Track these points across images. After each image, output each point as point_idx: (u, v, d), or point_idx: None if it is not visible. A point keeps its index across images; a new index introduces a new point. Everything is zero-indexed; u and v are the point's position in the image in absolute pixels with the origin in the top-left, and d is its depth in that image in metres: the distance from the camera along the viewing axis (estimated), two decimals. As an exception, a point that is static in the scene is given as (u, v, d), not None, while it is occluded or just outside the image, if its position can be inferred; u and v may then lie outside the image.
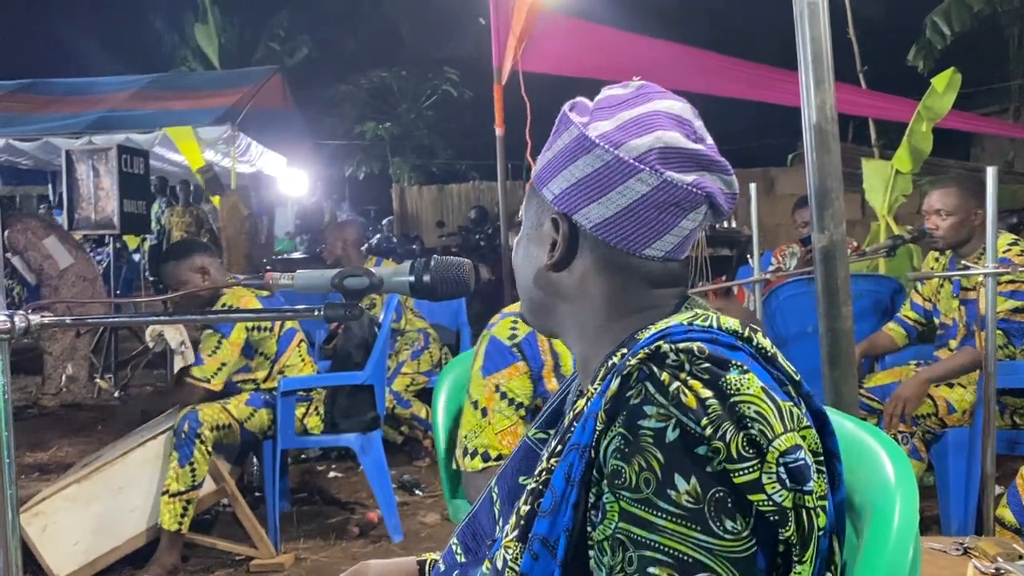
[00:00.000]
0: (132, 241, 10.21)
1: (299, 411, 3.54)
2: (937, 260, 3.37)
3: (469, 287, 1.20)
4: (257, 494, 3.90)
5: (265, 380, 3.51)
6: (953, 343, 3.21)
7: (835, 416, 1.05)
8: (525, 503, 0.94)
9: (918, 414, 3.03)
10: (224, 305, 3.36)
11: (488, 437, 1.89)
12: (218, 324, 3.32)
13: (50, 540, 3.08)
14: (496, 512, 1.13)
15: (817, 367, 1.94)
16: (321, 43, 21.64)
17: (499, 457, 1.86)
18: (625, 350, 0.93)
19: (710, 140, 0.98)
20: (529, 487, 0.95)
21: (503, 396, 1.90)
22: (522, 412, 1.91)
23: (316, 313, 1.20)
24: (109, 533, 3.18)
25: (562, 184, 0.98)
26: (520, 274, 1.08)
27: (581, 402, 0.95)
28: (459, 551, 1.16)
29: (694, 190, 0.93)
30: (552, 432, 1.12)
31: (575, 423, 0.92)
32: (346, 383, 3.59)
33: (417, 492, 4.11)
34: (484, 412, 1.91)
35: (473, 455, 1.88)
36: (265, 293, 3.40)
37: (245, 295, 3.37)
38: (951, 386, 3.09)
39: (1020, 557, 1.81)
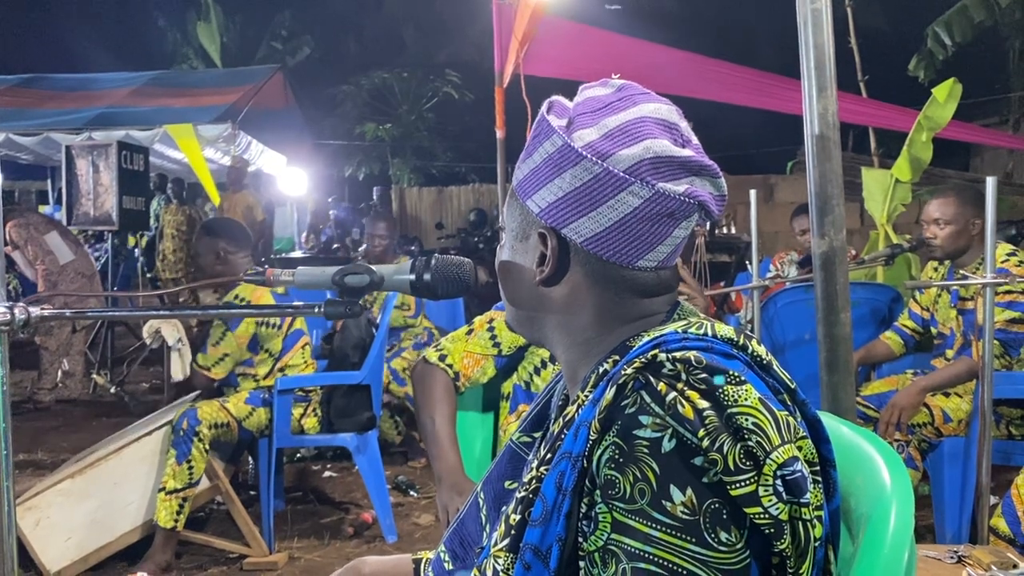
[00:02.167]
0: (130, 238, 10.20)
1: (297, 411, 3.54)
2: (936, 270, 3.38)
3: (469, 286, 1.20)
4: (252, 492, 3.90)
5: (266, 376, 3.51)
6: (950, 352, 3.22)
7: (832, 421, 1.05)
8: (515, 512, 0.92)
9: (914, 423, 3.04)
10: (236, 296, 3.39)
11: (458, 347, 2.09)
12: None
13: (43, 535, 3.07)
14: (483, 518, 1.12)
15: (814, 374, 1.94)
16: (323, 43, 21.65)
17: (451, 366, 2.07)
18: (617, 357, 0.92)
19: (696, 141, 0.96)
20: (519, 495, 0.93)
21: (490, 330, 2.10)
22: (495, 351, 2.09)
23: (316, 310, 1.19)
24: (103, 529, 3.18)
25: (548, 197, 0.94)
26: (505, 284, 1.04)
27: (571, 409, 0.93)
28: (447, 558, 1.15)
29: (687, 200, 0.90)
30: (537, 436, 1.11)
31: (565, 431, 0.91)
32: (343, 383, 3.59)
33: (412, 493, 4.11)
34: (469, 332, 2.12)
35: (437, 349, 2.11)
36: (280, 290, 3.42)
37: (259, 289, 3.38)
38: (947, 395, 3.09)
39: (1014, 566, 1.82)
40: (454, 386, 2.08)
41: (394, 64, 21.08)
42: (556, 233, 0.95)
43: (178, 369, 3.64)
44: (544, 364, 2.13)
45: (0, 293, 1.19)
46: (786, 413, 0.85)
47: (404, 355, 4.62)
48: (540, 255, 0.97)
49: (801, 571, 0.83)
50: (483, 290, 6.71)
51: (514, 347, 2.10)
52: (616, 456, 0.82)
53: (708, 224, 0.98)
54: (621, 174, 0.90)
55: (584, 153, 0.91)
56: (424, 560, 1.26)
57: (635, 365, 0.86)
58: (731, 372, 0.84)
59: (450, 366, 2.08)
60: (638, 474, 0.81)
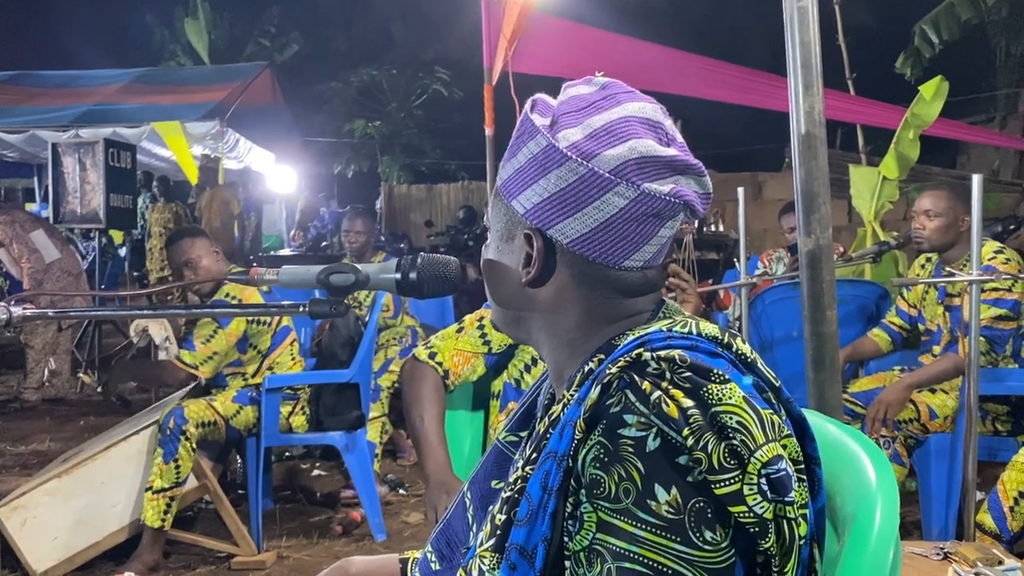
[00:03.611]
0: (118, 236, 10.16)
1: (285, 409, 3.53)
2: (923, 267, 3.40)
3: (456, 285, 1.19)
4: (240, 491, 3.89)
5: (254, 375, 3.50)
6: (938, 349, 3.23)
7: (817, 419, 1.05)
8: (500, 512, 0.92)
9: (900, 419, 3.05)
10: (227, 295, 3.37)
11: (447, 345, 2.08)
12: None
13: (29, 534, 3.05)
14: (469, 518, 1.12)
15: (801, 371, 1.94)
16: (311, 40, 21.60)
17: (440, 364, 2.05)
18: (602, 356, 0.92)
19: (680, 139, 0.96)
20: (504, 495, 0.93)
21: (480, 328, 2.09)
22: (486, 349, 2.09)
23: (301, 309, 1.19)
24: (90, 528, 3.16)
25: (533, 198, 0.94)
26: (491, 285, 1.04)
27: (556, 408, 0.93)
28: (433, 559, 1.15)
29: (673, 200, 0.90)
30: (524, 435, 1.11)
31: (551, 430, 0.91)
32: (331, 381, 3.58)
33: (401, 491, 4.10)
34: (459, 329, 2.12)
35: (426, 347, 2.11)
36: (266, 289, 3.41)
37: (247, 287, 3.37)
38: (934, 392, 3.10)
39: (1000, 562, 1.83)
40: (443, 384, 2.07)
41: (383, 61, 21.06)
42: (542, 234, 0.95)
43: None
44: (534, 362, 2.13)
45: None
46: (770, 411, 0.85)
47: (392, 367, 4.52)
48: (526, 256, 0.96)
49: (786, 570, 0.83)
50: (473, 288, 6.70)
51: (504, 345, 2.10)
52: (601, 455, 0.82)
53: (696, 221, 0.98)
54: (606, 175, 0.90)
55: (569, 154, 0.91)
56: (411, 560, 1.25)
57: (620, 364, 0.86)
58: (716, 371, 0.84)
59: (440, 364, 2.07)
60: (623, 473, 0.80)
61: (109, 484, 3.21)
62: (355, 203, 16.48)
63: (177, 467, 3.16)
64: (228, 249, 6.94)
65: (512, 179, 0.97)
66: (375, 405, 4.25)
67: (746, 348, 0.92)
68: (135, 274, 9.99)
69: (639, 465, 0.80)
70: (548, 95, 1.00)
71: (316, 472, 4.42)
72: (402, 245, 11.73)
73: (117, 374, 3.65)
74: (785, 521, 0.82)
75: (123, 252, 10.18)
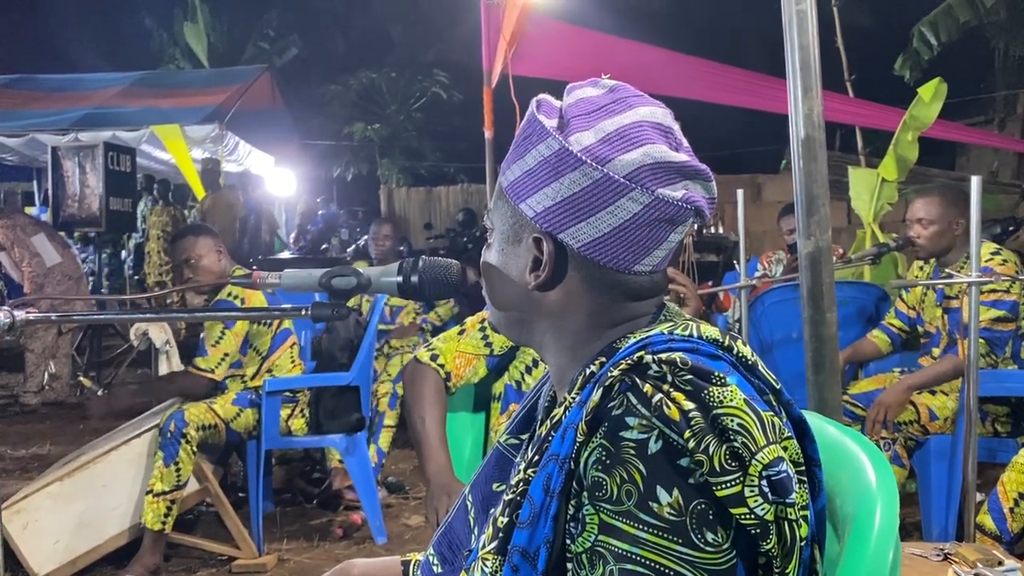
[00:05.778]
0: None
1: (284, 412, 3.53)
2: (922, 269, 3.40)
3: (457, 288, 1.20)
4: (240, 494, 3.89)
5: (253, 377, 3.50)
6: (936, 351, 3.24)
7: (817, 421, 1.06)
8: (502, 514, 0.92)
9: (900, 421, 3.06)
10: (230, 294, 3.38)
11: (449, 347, 2.09)
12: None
13: (31, 538, 3.06)
14: (471, 521, 1.12)
15: (801, 373, 1.95)
16: (310, 43, 21.56)
17: (443, 366, 2.06)
18: (604, 359, 0.93)
19: (687, 143, 0.96)
20: (506, 498, 0.93)
21: (482, 330, 2.11)
22: (487, 351, 2.10)
23: (304, 312, 1.19)
24: (91, 532, 3.16)
25: (545, 201, 0.93)
26: (492, 287, 1.03)
27: (558, 411, 0.93)
28: (435, 561, 1.15)
29: (685, 205, 0.91)
30: (525, 438, 1.11)
31: (552, 432, 0.91)
32: (331, 384, 3.58)
33: (401, 494, 4.10)
34: (461, 332, 2.14)
35: (428, 349, 2.11)
36: (270, 290, 3.41)
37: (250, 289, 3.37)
38: (933, 393, 3.11)
39: (999, 563, 1.83)
40: (445, 386, 2.08)
41: (382, 64, 21.02)
42: (552, 238, 0.94)
43: (165, 371, 3.61)
44: (535, 363, 2.13)
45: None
46: (771, 413, 0.86)
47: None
48: (534, 259, 0.96)
49: (787, 571, 0.83)
50: (472, 290, 6.70)
51: (506, 347, 2.10)
52: (603, 458, 0.83)
53: (696, 224, 0.98)
54: (621, 180, 0.90)
55: (583, 158, 0.91)
56: (413, 562, 1.25)
57: (621, 367, 0.86)
58: (717, 373, 0.85)
59: (441, 366, 2.07)
60: (625, 475, 0.81)
61: (110, 487, 3.21)
62: (353, 206, 16.50)
63: (178, 470, 3.16)
64: (230, 251, 6.95)
65: (520, 181, 0.96)
66: (392, 413, 4.25)
67: (747, 351, 0.92)
68: (135, 278, 10.00)
69: (641, 467, 0.81)
70: (551, 96, 0.99)
71: (317, 475, 4.41)
72: (401, 248, 11.72)
73: (141, 390, 3.62)
74: (786, 522, 0.82)
75: (123, 255, 10.18)
